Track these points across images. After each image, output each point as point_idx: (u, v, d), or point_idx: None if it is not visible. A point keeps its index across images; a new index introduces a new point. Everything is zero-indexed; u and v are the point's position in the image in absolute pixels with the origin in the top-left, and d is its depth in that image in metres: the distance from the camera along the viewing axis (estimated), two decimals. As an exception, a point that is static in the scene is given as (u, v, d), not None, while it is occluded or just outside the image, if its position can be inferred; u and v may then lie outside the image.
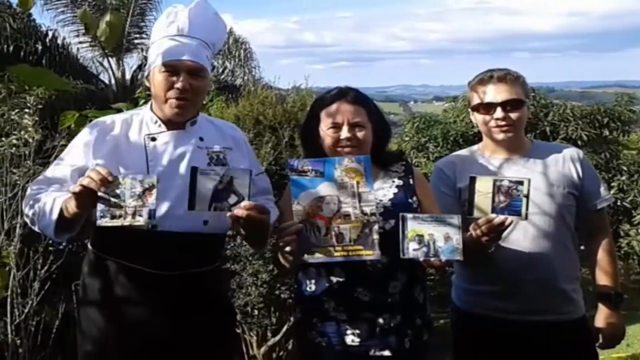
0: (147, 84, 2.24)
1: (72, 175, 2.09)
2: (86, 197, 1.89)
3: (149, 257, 2.07)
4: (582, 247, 2.53)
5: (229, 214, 1.95)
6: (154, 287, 2.09)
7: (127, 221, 1.90)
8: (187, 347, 2.13)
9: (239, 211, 1.93)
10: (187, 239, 2.08)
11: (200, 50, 2.16)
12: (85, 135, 2.18)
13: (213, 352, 2.20)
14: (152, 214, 1.91)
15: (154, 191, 1.90)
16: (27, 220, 2.14)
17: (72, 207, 1.93)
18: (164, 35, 2.17)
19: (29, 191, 2.13)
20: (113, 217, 1.90)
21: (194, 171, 1.95)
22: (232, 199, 1.95)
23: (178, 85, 2.11)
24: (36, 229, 2.10)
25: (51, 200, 2.01)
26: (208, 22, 2.23)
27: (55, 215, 1.97)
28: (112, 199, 1.89)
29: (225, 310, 2.33)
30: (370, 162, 2.02)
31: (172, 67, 2.11)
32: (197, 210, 1.96)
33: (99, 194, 1.89)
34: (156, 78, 2.14)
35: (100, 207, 1.90)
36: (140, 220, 1.91)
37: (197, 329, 2.15)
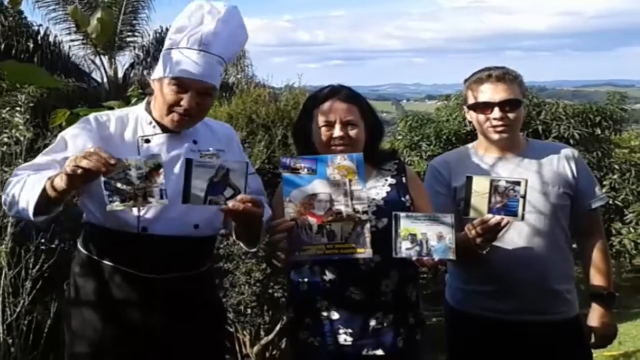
0: (151, 84, 2.15)
1: (62, 163, 1.95)
2: (82, 178, 1.78)
3: (139, 260, 2.05)
4: (574, 246, 2.53)
5: (223, 207, 1.90)
6: (144, 290, 2.07)
7: (138, 203, 1.84)
8: (178, 350, 2.12)
9: (236, 204, 1.88)
10: (177, 243, 2.05)
11: (215, 69, 2.09)
12: (78, 128, 2.11)
13: (204, 354, 2.19)
14: (164, 194, 1.84)
15: (161, 170, 1.84)
16: (5, 205, 2.01)
17: (60, 185, 1.81)
18: (185, 43, 2.06)
19: (11, 176, 2.02)
20: (123, 200, 1.82)
21: (188, 163, 1.89)
22: (228, 192, 1.90)
23: (184, 103, 2.04)
24: (12, 212, 1.98)
25: (34, 178, 1.90)
26: (232, 36, 2.13)
27: (37, 193, 1.84)
28: (119, 183, 1.81)
29: (215, 313, 2.31)
30: (362, 159, 2.01)
31: (183, 84, 2.04)
32: (192, 203, 1.90)
33: (104, 179, 1.80)
34: (164, 88, 2.07)
35: (108, 189, 1.81)
36: (153, 201, 1.85)
37: (188, 331, 2.14)
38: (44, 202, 1.86)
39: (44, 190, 1.84)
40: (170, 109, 2.07)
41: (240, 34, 2.19)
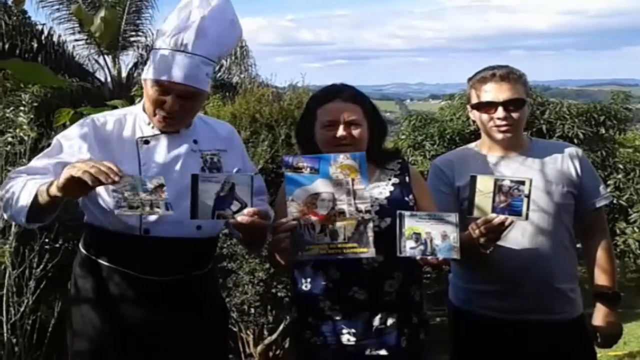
0: (142, 83, 2.15)
1: (56, 168, 1.95)
2: (83, 187, 1.75)
3: (141, 262, 2.04)
4: (578, 246, 2.51)
5: (231, 221, 1.92)
6: (145, 291, 2.07)
7: (146, 211, 1.87)
8: (182, 349, 2.12)
9: (244, 219, 1.90)
10: (180, 245, 2.05)
11: (199, 70, 2.03)
12: (75, 131, 2.09)
13: (207, 353, 2.18)
14: (169, 206, 1.87)
15: (165, 188, 1.87)
16: (1, 208, 2.00)
17: (56, 191, 1.79)
18: (168, 43, 2.03)
19: (6, 179, 2.00)
20: (131, 207, 1.85)
21: (194, 179, 1.91)
22: (235, 205, 1.92)
23: (166, 106, 2.03)
24: (7, 216, 1.99)
25: (29, 183, 1.88)
26: (222, 33, 2.09)
27: (29, 201, 1.83)
28: (127, 192, 1.83)
29: (218, 312, 2.31)
30: (365, 158, 2.00)
31: (163, 87, 2.02)
32: (200, 218, 1.93)
33: (112, 187, 1.82)
34: (149, 89, 2.06)
35: (116, 197, 1.84)
36: (159, 212, 1.88)
37: (191, 330, 2.14)
38: (37, 210, 1.86)
39: (36, 198, 1.84)
40: (155, 109, 2.06)
41: (233, 29, 2.15)
